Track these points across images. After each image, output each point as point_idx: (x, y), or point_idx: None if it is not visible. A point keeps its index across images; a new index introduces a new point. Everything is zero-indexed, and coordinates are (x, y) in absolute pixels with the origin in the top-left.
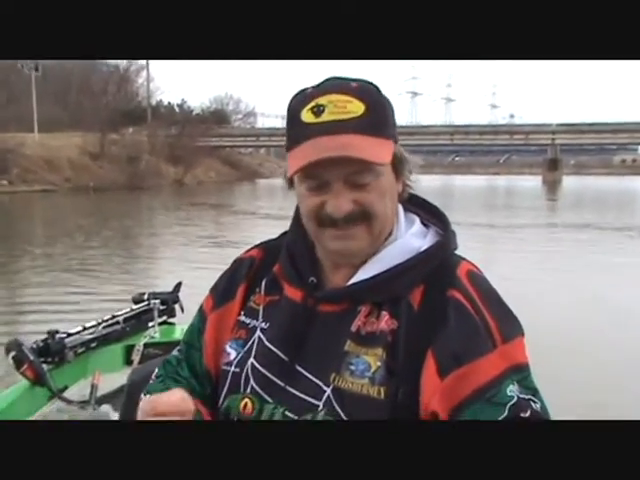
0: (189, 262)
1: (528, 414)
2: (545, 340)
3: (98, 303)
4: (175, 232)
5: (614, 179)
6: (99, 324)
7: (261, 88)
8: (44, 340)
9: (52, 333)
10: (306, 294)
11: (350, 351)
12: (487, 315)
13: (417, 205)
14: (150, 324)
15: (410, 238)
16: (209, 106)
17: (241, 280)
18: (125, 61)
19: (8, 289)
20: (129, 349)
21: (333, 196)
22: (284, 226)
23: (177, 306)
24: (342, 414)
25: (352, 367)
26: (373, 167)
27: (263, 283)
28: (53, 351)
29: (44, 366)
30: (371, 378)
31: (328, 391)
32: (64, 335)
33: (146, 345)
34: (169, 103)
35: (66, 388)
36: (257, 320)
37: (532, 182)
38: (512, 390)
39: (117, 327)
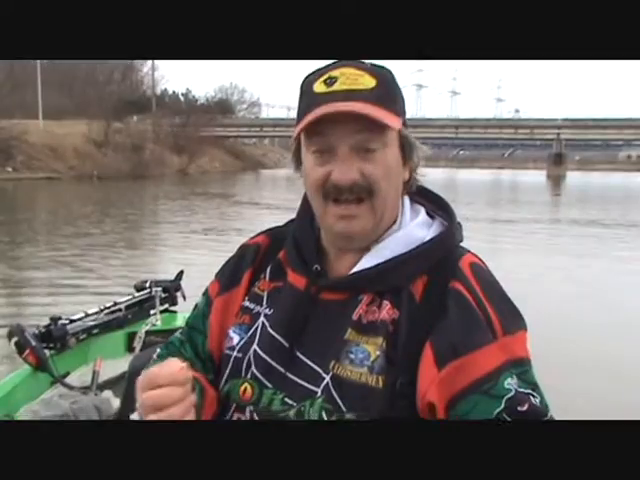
0: (192, 251)
1: (525, 408)
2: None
3: (100, 290)
4: (178, 221)
5: (619, 175)
6: (101, 311)
7: (266, 78)
8: (46, 326)
9: (54, 319)
10: (309, 281)
11: (350, 339)
12: (489, 308)
13: (423, 196)
14: (152, 312)
15: (414, 228)
16: (214, 96)
17: (247, 266)
18: None
19: (11, 275)
20: (131, 336)
21: (339, 163)
22: (287, 216)
23: (179, 294)
24: (340, 402)
25: (352, 355)
26: (381, 134)
27: (268, 269)
28: (55, 337)
29: (46, 352)
30: (370, 367)
31: (327, 378)
32: (66, 321)
33: (148, 332)
34: (174, 92)
35: (68, 374)
36: (261, 306)
37: (536, 177)
38: (510, 383)
39: (119, 314)
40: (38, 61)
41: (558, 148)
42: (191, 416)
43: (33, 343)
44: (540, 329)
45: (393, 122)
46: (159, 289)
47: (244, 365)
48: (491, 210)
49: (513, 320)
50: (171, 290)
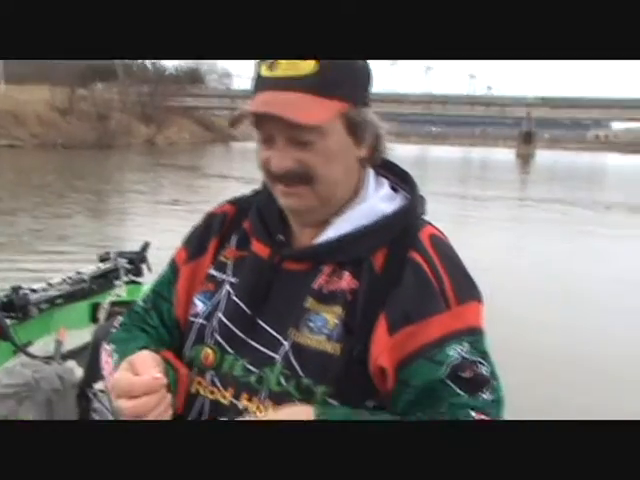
0: (158, 223)
1: (468, 375)
2: (513, 308)
3: (64, 261)
4: (145, 193)
5: (587, 154)
6: (64, 281)
7: None
8: (7, 295)
9: (15, 289)
10: (273, 251)
11: (310, 308)
12: (444, 278)
13: (388, 169)
14: (116, 283)
15: (377, 201)
16: (183, 65)
17: (213, 234)
18: None
19: None
20: (95, 307)
21: (276, 152)
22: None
23: (144, 266)
24: (298, 368)
25: (311, 324)
26: (316, 126)
27: (234, 238)
28: (17, 306)
29: (7, 321)
30: (328, 335)
31: (286, 345)
32: (28, 291)
33: (112, 304)
34: (141, 60)
35: (30, 344)
36: (226, 274)
37: (506, 155)
38: (456, 350)
39: (83, 285)
40: None
41: (528, 126)
42: (168, 415)
43: None
44: (497, 299)
45: (326, 114)
46: (124, 260)
47: (207, 331)
48: (460, 187)
49: (467, 291)
50: (136, 261)
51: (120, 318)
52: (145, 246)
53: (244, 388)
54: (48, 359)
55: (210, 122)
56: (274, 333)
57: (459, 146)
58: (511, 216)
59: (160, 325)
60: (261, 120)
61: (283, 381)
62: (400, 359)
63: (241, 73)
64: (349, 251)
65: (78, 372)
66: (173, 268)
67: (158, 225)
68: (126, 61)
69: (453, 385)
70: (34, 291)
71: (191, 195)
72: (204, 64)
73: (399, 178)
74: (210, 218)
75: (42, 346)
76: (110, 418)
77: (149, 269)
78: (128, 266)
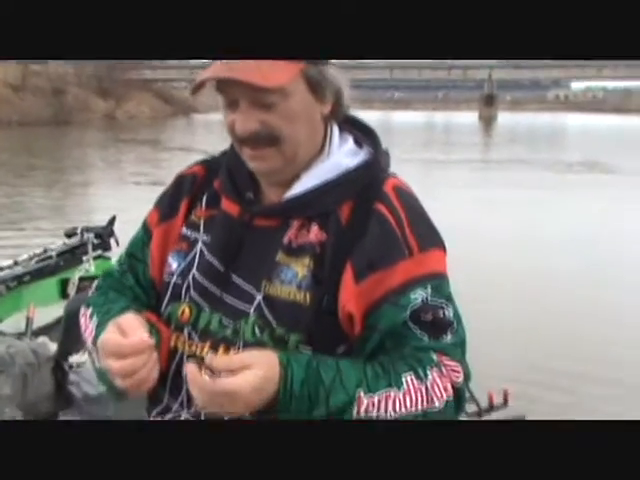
0: (122, 198)
1: (430, 318)
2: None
3: (29, 238)
4: (106, 169)
5: (548, 115)
6: (31, 259)
7: None
8: None
9: None
10: (243, 209)
11: (281, 262)
12: (407, 226)
13: (351, 125)
14: (84, 258)
15: (341, 156)
16: None
17: (184, 195)
18: None
19: None
20: (64, 283)
21: (240, 115)
22: None
23: (112, 240)
24: (271, 318)
25: (282, 275)
26: (277, 88)
27: (204, 198)
28: None
29: None
30: (298, 285)
31: (259, 297)
32: None
33: (81, 279)
34: None
35: (0, 321)
36: (198, 233)
37: (469, 118)
38: (419, 295)
39: (50, 261)
40: None
41: (490, 89)
42: (155, 373)
43: None
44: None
45: (282, 75)
46: (91, 235)
47: (183, 289)
48: (425, 152)
49: (430, 239)
50: (104, 236)
51: (96, 282)
52: (112, 220)
53: (221, 341)
54: (19, 336)
55: (170, 95)
56: (247, 287)
57: (422, 111)
58: (475, 179)
59: (136, 286)
60: (224, 85)
61: (257, 332)
62: (367, 305)
63: None
64: (316, 205)
65: (51, 347)
66: (146, 230)
67: (122, 200)
68: None
69: (415, 327)
70: (1, 269)
71: (154, 170)
72: None
73: (363, 133)
74: (180, 179)
75: (12, 324)
76: (87, 389)
77: (117, 243)
78: (96, 241)
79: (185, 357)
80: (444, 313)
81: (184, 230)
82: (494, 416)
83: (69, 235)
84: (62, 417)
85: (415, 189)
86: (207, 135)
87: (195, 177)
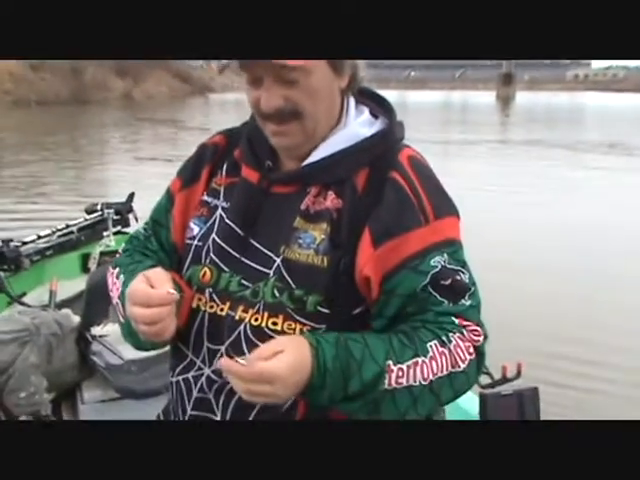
0: (141, 176)
1: (449, 282)
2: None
3: (49, 213)
4: (126, 148)
5: (566, 95)
6: (53, 233)
7: None
8: None
9: (6, 241)
10: (262, 176)
11: (299, 227)
12: (423, 195)
13: (368, 97)
14: (105, 233)
15: (357, 126)
16: None
17: (205, 163)
18: None
19: None
20: (85, 257)
21: (264, 91)
22: None
23: (131, 216)
24: (290, 280)
25: (300, 240)
26: (300, 65)
27: (225, 166)
28: (8, 259)
29: (1, 273)
30: (316, 249)
31: (278, 261)
32: (19, 243)
33: (102, 253)
34: None
35: (24, 294)
36: (218, 200)
37: (486, 98)
38: (437, 261)
39: (72, 236)
40: None
41: (508, 68)
42: (173, 328)
43: None
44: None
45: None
46: (111, 211)
47: (203, 252)
48: (442, 133)
49: (444, 206)
50: (123, 212)
51: (123, 244)
52: (131, 196)
53: (240, 301)
54: (43, 308)
55: (187, 74)
56: (266, 251)
57: (439, 90)
58: (493, 160)
59: (159, 249)
60: (247, 63)
61: (277, 293)
62: (384, 271)
63: None
64: (332, 172)
65: (74, 319)
66: (169, 196)
67: (140, 177)
68: None
69: (435, 293)
70: (24, 243)
71: (172, 149)
72: None
73: (378, 105)
74: (202, 148)
75: (36, 297)
76: (109, 358)
77: (136, 219)
78: (115, 217)
79: (206, 316)
80: (461, 278)
81: (205, 197)
82: (507, 387)
83: (90, 211)
84: (85, 385)
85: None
86: (223, 114)
87: (216, 146)
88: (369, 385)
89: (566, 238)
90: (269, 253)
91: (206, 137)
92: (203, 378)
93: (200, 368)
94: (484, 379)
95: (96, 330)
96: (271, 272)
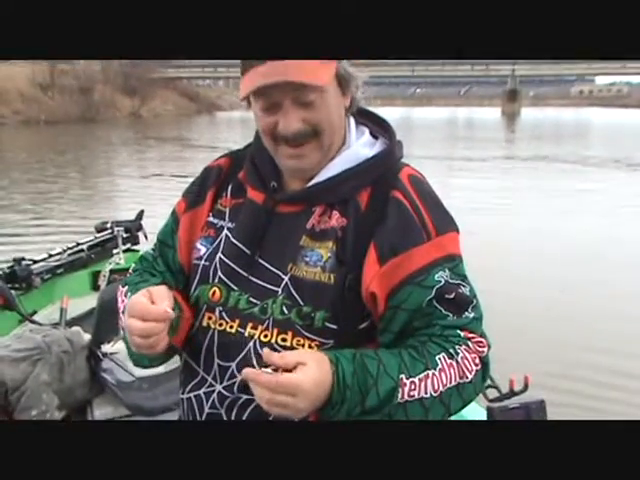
0: (150, 193)
1: (453, 296)
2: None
3: (62, 233)
4: (134, 165)
5: (572, 110)
6: (64, 251)
7: None
8: (10, 267)
9: (18, 260)
10: (267, 196)
11: (305, 245)
12: (424, 212)
13: (367, 118)
14: (115, 251)
15: (359, 147)
16: None
17: (210, 185)
18: None
19: None
20: (95, 275)
21: (283, 115)
22: None
23: (141, 234)
24: (298, 297)
25: (307, 258)
26: (315, 86)
27: (229, 188)
28: (20, 277)
29: (12, 292)
30: (322, 267)
31: (286, 279)
32: (30, 262)
33: (112, 271)
34: None
35: (35, 313)
36: (224, 220)
37: (492, 114)
38: (441, 276)
39: (82, 254)
40: None
41: (513, 84)
42: (164, 343)
43: None
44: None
45: (324, 73)
46: (121, 229)
47: (211, 272)
48: (447, 149)
49: (445, 223)
50: (132, 230)
51: (133, 264)
52: (140, 214)
53: (249, 318)
54: (54, 326)
55: (194, 92)
56: (274, 269)
57: (444, 107)
58: (498, 176)
59: (166, 270)
60: (264, 89)
61: (285, 310)
62: (390, 287)
63: None
64: (336, 192)
65: (85, 336)
66: (174, 217)
67: (148, 196)
68: None
69: (440, 307)
70: (35, 262)
71: (180, 167)
72: None
73: (378, 126)
74: (207, 171)
75: (47, 314)
76: (120, 376)
77: (145, 237)
78: (125, 234)
79: (216, 333)
80: (463, 291)
81: (210, 218)
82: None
83: (99, 230)
84: (96, 403)
85: (437, 186)
86: (230, 132)
87: (221, 169)
88: (385, 399)
89: (573, 253)
90: (277, 271)
91: (214, 155)
92: (214, 394)
93: (211, 385)
94: (491, 392)
95: (106, 348)
96: (279, 290)
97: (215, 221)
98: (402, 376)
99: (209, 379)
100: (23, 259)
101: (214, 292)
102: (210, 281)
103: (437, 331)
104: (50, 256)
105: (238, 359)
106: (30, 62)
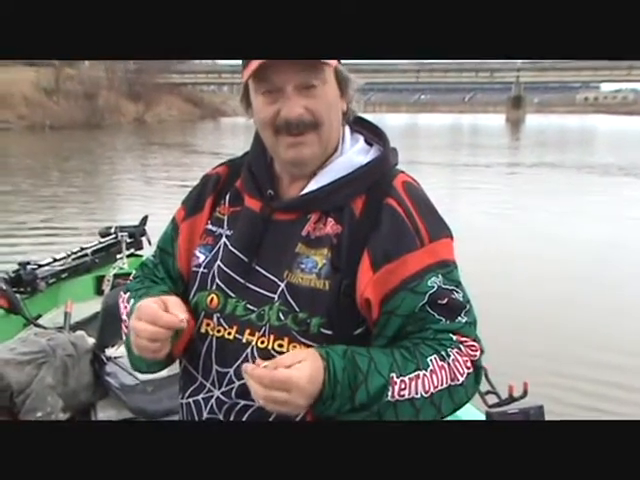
0: (154, 199)
1: (445, 301)
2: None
3: (64, 237)
4: (138, 171)
5: (577, 117)
6: (68, 256)
7: None
8: (15, 271)
9: (23, 264)
10: (264, 204)
11: (300, 252)
12: (417, 219)
13: (361, 125)
14: (118, 256)
15: (354, 154)
16: None
17: (209, 193)
18: None
19: None
20: (99, 280)
21: (286, 101)
22: None
23: (144, 239)
24: (294, 304)
25: (302, 265)
26: (320, 71)
27: (227, 196)
28: (25, 281)
29: (17, 296)
30: (317, 273)
31: (282, 285)
32: (35, 266)
33: (116, 276)
34: None
35: (40, 316)
36: (222, 228)
37: (496, 120)
38: (434, 281)
39: (86, 259)
40: None
41: (517, 91)
42: (166, 350)
43: (4, 287)
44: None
45: (328, 64)
46: (124, 234)
47: (209, 279)
48: (451, 155)
49: (438, 229)
50: (136, 235)
51: (134, 271)
52: (144, 219)
53: (246, 325)
54: (58, 330)
55: (198, 98)
56: (270, 276)
57: (449, 113)
58: (503, 182)
59: (166, 277)
60: (268, 75)
61: (282, 316)
62: (384, 293)
63: None
64: (331, 200)
65: (89, 340)
66: (174, 225)
67: (152, 201)
68: None
69: (433, 312)
70: (40, 266)
71: (183, 173)
72: None
73: (372, 133)
74: (205, 179)
75: (51, 318)
76: (124, 379)
77: (149, 242)
78: (129, 239)
79: (214, 340)
80: (456, 297)
81: (209, 225)
82: (513, 406)
83: (103, 235)
84: (100, 405)
85: (442, 192)
86: (234, 139)
87: (219, 177)
88: (374, 397)
89: (576, 259)
90: (273, 278)
91: (217, 161)
92: (213, 400)
93: (210, 390)
94: (491, 398)
95: (110, 351)
96: (276, 296)
97: (214, 229)
98: (393, 374)
99: (207, 385)
100: (28, 263)
101: (212, 299)
102: (208, 288)
103: (430, 334)
104: (55, 260)
105: (236, 365)
106: (35, 67)
